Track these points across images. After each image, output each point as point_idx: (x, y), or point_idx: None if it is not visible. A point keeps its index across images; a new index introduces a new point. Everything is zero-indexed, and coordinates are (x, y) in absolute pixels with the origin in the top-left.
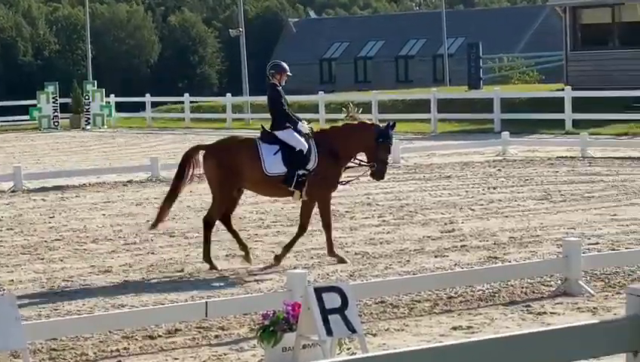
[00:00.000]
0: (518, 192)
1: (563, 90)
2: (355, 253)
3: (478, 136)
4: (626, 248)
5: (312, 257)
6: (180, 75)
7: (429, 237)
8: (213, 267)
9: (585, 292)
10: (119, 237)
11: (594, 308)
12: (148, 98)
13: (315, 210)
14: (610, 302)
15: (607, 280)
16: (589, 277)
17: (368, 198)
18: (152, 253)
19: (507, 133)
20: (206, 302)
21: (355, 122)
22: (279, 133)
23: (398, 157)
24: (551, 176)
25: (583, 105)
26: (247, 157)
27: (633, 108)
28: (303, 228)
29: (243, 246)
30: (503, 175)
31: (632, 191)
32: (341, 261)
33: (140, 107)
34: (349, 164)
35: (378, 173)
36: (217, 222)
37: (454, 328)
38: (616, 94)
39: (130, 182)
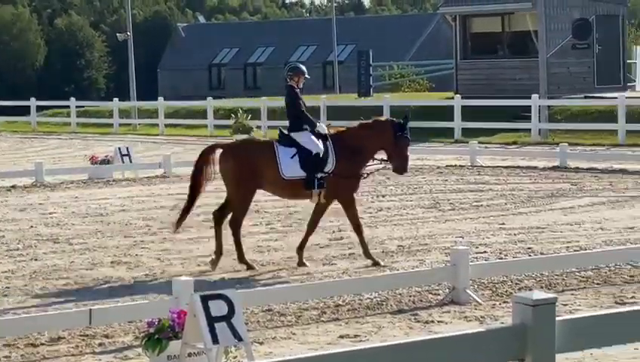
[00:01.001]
0: (407, 201)
1: (453, 98)
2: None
3: None
4: (514, 257)
5: (198, 264)
6: (66, 79)
7: (317, 244)
8: (250, 267)
9: (472, 300)
10: (2, 243)
11: (481, 316)
12: (33, 102)
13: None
14: (497, 310)
15: (494, 289)
16: (476, 286)
17: (256, 205)
18: (36, 260)
19: None
20: (90, 310)
21: (370, 121)
22: (296, 136)
23: None
24: (440, 184)
25: (473, 113)
26: (265, 160)
27: (522, 117)
28: (313, 226)
29: (218, 251)
30: (391, 183)
31: (520, 200)
32: (376, 264)
33: (25, 111)
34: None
35: (400, 168)
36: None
37: (342, 336)
38: (506, 103)
39: (13, 187)
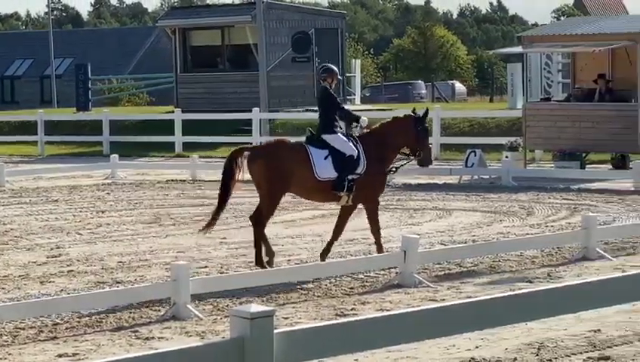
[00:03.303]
0: (128, 216)
1: (173, 112)
2: None
3: (88, 159)
4: (235, 271)
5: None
6: None
7: (34, 262)
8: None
9: (193, 316)
10: None
11: (202, 331)
12: None
13: None
14: (219, 325)
15: (215, 304)
16: (197, 301)
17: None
18: None
19: (116, 156)
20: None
21: (390, 120)
22: (329, 138)
23: (3, 180)
24: (161, 199)
25: (194, 127)
26: (298, 162)
27: (242, 131)
28: (340, 231)
29: (269, 251)
30: (112, 198)
31: (242, 215)
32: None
33: None
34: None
35: (426, 161)
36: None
37: (60, 355)
38: (227, 117)
39: None
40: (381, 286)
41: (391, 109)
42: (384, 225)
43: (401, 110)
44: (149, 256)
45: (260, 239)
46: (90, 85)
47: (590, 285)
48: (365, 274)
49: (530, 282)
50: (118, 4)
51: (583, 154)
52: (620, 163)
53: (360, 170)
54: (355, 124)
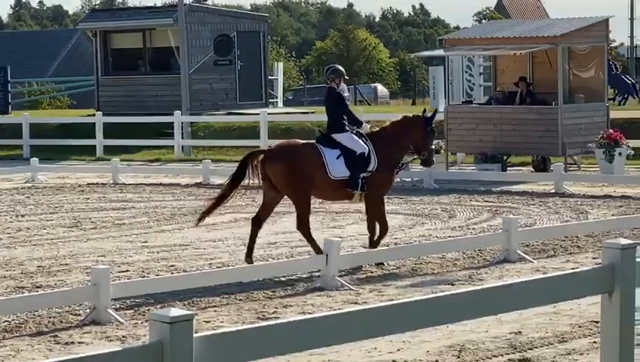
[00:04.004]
0: (48, 220)
1: (94, 115)
2: None
3: (7, 162)
4: (157, 275)
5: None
6: None
7: None
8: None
9: (114, 320)
10: None
11: (123, 336)
12: None
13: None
14: (139, 329)
15: (136, 308)
16: (118, 306)
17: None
18: None
19: (36, 159)
20: None
21: (400, 119)
22: (339, 137)
23: None
24: (81, 203)
25: (115, 131)
26: (313, 161)
27: (164, 134)
28: (385, 228)
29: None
30: (32, 202)
31: (163, 218)
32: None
33: None
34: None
35: (429, 161)
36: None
37: None
38: (148, 120)
39: None
40: (303, 289)
41: (314, 112)
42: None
43: (325, 114)
44: (69, 260)
45: (254, 237)
46: (9, 88)
47: (511, 287)
48: (287, 278)
49: (452, 284)
50: (38, 7)
51: (504, 157)
52: (541, 165)
53: (371, 167)
54: (354, 128)
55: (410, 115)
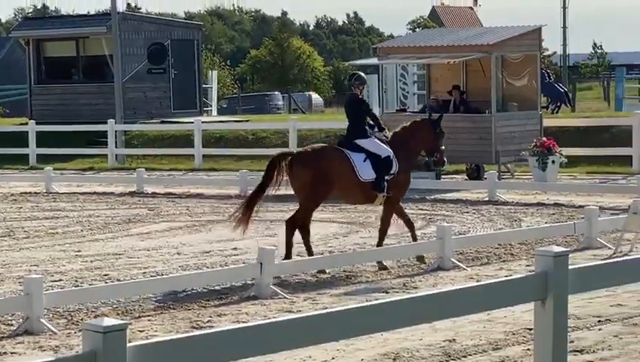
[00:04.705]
0: None
1: (27, 124)
2: None
3: None
4: (90, 284)
5: None
6: None
7: None
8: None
9: (47, 330)
10: None
11: (56, 346)
12: None
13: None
14: (72, 339)
15: (70, 318)
16: (52, 315)
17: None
18: None
19: None
20: None
21: (409, 123)
22: (363, 143)
23: None
24: (14, 212)
25: (48, 139)
26: (342, 165)
27: (98, 142)
28: (410, 224)
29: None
30: None
31: (97, 227)
32: (383, 268)
33: None
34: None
35: (441, 162)
36: None
37: None
38: (82, 128)
39: None
40: (237, 298)
41: (248, 120)
42: (239, 236)
43: (259, 122)
44: (1, 269)
45: (306, 239)
46: None
47: (445, 295)
48: (222, 286)
49: (387, 292)
50: None
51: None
52: (475, 173)
53: (394, 170)
54: (376, 130)
55: (419, 119)
